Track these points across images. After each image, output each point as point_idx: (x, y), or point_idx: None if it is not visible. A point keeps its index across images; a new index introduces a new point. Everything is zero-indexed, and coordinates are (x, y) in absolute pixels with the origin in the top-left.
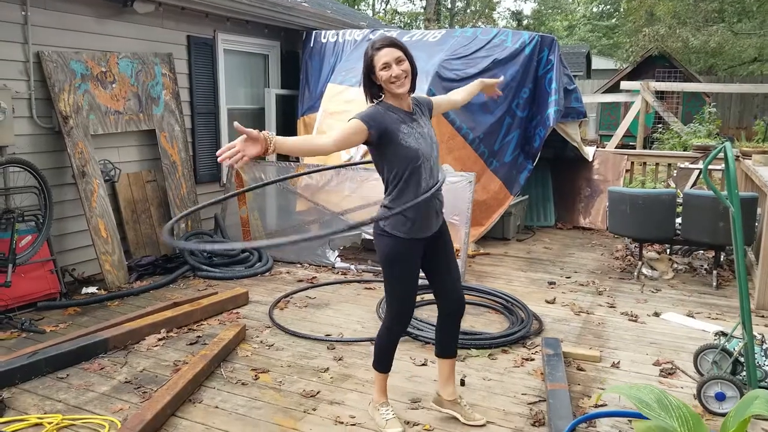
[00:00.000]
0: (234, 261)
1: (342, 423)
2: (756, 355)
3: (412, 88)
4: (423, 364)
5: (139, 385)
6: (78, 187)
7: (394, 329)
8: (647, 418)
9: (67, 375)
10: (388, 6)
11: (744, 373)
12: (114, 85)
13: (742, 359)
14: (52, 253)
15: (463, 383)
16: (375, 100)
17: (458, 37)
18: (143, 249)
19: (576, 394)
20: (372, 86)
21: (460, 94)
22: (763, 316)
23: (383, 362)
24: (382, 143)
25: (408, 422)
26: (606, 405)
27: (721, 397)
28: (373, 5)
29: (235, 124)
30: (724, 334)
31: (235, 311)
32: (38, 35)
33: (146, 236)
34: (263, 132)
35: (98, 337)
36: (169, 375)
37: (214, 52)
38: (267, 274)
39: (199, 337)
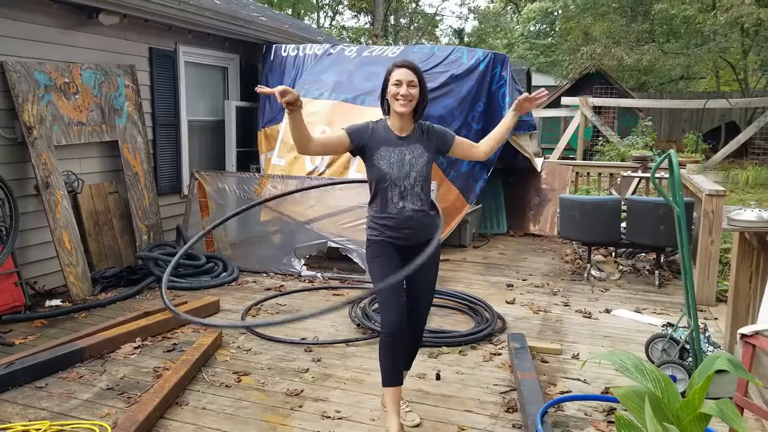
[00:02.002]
0: (200, 271)
1: (329, 417)
2: (700, 342)
3: (417, 116)
4: None
5: (122, 390)
6: (42, 198)
7: (383, 339)
8: (610, 400)
9: (46, 384)
10: (334, 21)
11: (690, 359)
12: (77, 96)
13: (688, 346)
14: (16, 266)
15: (438, 377)
16: (384, 114)
17: (417, 53)
18: (106, 261)
19: (543, 383)
20: (383, 99)
21: (486, 145)
22: (702, 310)
23: (383, 375)
24: (363, 156)
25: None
26: (570, 391)
27: (673, 380)
28: (318, 20)
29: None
30: (671, 325)
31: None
32: (2, 45)
33: (108, 248)
34: (297, 96)
35: (74, 346)
36: (150, 381)
37: (176, 64)
38: (233, 283)
39: (175, 344)
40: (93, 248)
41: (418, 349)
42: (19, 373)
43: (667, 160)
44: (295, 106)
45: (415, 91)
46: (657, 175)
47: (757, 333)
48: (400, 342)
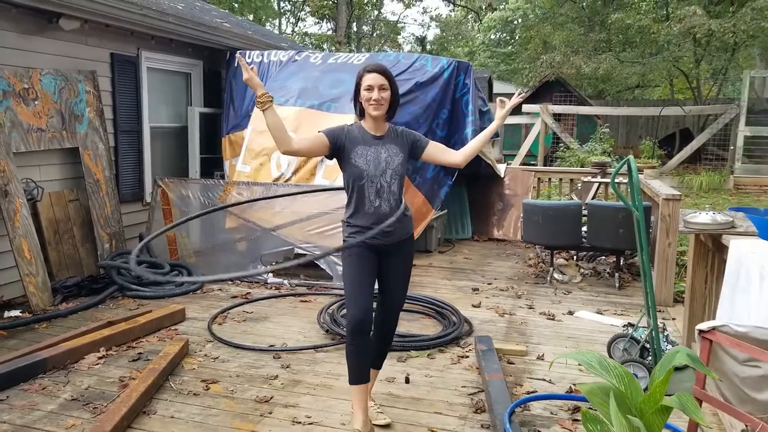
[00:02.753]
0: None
1: (300, 423)
2: (660, 341)
3: (390, 116)
4: None
5: (87, 401)
6: (1, 206)
7: (349, 336)
8: (575, 399)
9: (7, 397)
10: (297, 28)
11: (650, 357)
12: (36, 102)
13: (648, 345)
14: None
15: (407, 381)
16: (359, 116)
17: (382, 60)
18: (66, 270)
19: (509, 384)
20: (356, 103)
21: (463, 153)
22: (660, 311)
23: (350, 373)
24: (339, 158)
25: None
26: (536, 391)
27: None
28: (280, 26)
29: (238, 56)
30: (631, 325)
31: (173, 328)
32: None
33: (69, 257)
34: (265, 93)
35: (36, 357)
36: (116, 391)
37: (138, 69)
38: (198, 291)
39: (140, 353)
40: (53, 257)
41: (388, 346)
42: None
43: (626, 165)
44: (264, 101)
45: (386, 95)
46: (616, 180)
47: (713, 329)
48: (366, 340)
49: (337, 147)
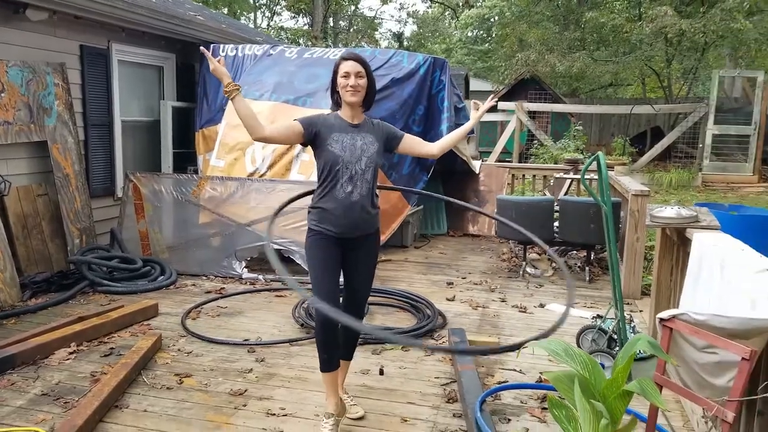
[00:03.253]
0: (137, 275)
1: (274, 415)
2: (626, 332)
3: (367, 106)
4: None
5: (58, 396)
6: None
7: (317, 327)
8: (544, 388)
9: None
10: (272, 22)
11: (617, 348)
12: (3, 95)
13: (615, 336)
14: None
15: (382, 372)
16: (335, 107)
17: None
18: (36, 265)
19: (481, 374)
20: (334, 92)
21: (439, 144)
22: (628, 303)
23: (320, 360)
24: (315, 145)
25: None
26: (507, 381)
27: (602, 367)
28: (255, 20)
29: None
30: (600, 317)
31: (145, 323)
32: None
33: (38, 252)
34: (231, 82)
35: (4, 353)
36: (87, 385)
37: (109, 62)
38: (172, 287)
39: (112, 348)
40: (21, 253)
41: (358, 336)
42: None
43: (596, 161)
44: (230, 90)
45: (363, 82)
46: (587, 176)
47: (674, 317)
48: (334, 330)
49: (312, 134)
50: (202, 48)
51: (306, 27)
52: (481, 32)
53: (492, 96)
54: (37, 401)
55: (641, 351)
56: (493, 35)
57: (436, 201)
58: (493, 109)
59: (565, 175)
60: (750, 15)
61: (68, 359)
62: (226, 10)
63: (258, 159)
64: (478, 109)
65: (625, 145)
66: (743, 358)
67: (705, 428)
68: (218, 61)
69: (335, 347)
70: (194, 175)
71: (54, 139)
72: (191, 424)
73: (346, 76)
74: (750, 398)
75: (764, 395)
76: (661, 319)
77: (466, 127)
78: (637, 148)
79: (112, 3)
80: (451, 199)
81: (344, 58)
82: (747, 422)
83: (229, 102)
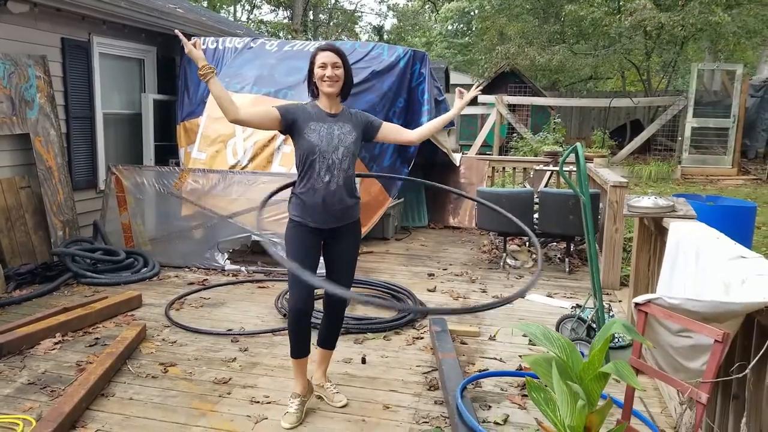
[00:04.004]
0: (120, 267)
1: (258, 402)
2: (605, 320)
3: (344, 96)
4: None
5: (45, 385)
6: None
7: (291, 312)
8: (525, 376)
9: None
10: (252, 15)
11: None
12: None
13: (594, 325)
14: None
15: (364, 361)
16: (312, 98)
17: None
18: (19, 258)
19: (462, 363)
20: (311, 83)
21: (419, 132)
22: (607, 294)
23: (292, 347)
24: (292, 133)
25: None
26: (488, 369)
27: (581, 355)
28: (235, 13)
29: (176, 31)
30: (579, 306)
31: (129, 314)
32: None
33: (22, 244)
34: (206, 65)
35: None
36: (74, 375)
37: (90, 55)
38: (155, 278)
39: (97, 339)
40: (5, 245)
41: (339, 328)
42: None
43: (574, 153)
44: (205, 72)
45: (340, 72)
46: (566, 168)
47: (649, 301)
48: (306, 321)
49: (289, 122)
50: (176, 30)
51: (286, 20)
52: (461, 26)
53: (476, 85)
54: (24, 390)
55: (620, 339)
56: (474, 29)
57: (417, 190)
58: (473, 102)
59: (545, 167)
60: (729, 8)
61: (54, 349)
62: (206, 3)
63: (239, 151)
64: (462, 97)
65: (603, 138)
66: (716, 341)
67: (682, 412)
68: (193, 45)
69: (306, 336)
70: (176, 168)
71: (36, 132)
72: (177, 411)
73: (323, 66)
74: (724, 379)
75: (736, 376)
76: (637, 304)
77: (449, 114)
78: (617, 140)
79: None
80: (433, 184)
81: (321, 49)
82: (723, 405)
83: (210, 95)
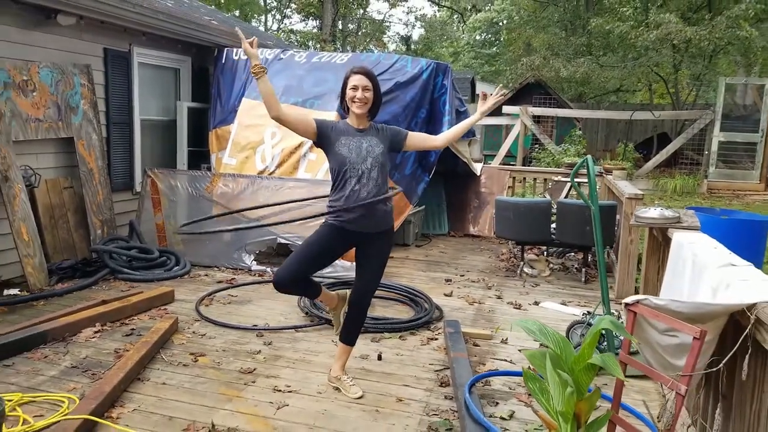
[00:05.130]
0: (153, 264)
1: (280, 391)
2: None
3: (372, 115)
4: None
5: (86, 368)
6: (1, 191)
7: (274, 279)
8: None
9: (13, 363)
10: (282, 24)
11: (605, 342)
12: (35, 94)
13: (603, 331)
14: None
15: (380, 358)
16: (343, 113)
17: (364, 60)
18: (61, 253)
19: (473, 363)
20: (343, 100)
21: (444, 137)
22: (620, 303)
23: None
24: (324, 146)
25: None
26: (497, 368)
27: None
28: (266, 23)
29: (237, 29)
30: (589, 313)
31: (162, 307)
32: None
33: (64, 241)
34: (259, 64)
35: (38, 329)
36: (112, 360)
37: (130, 64)
38: (186, 276)
39: (133, 329)
40: (49, 241)
41: (361, 325)
42: None
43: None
44: (257, 70)
45: (369, 95)
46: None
47: (637, 302)
48: (286, 290)
49: (323, 136)
50: (236, 28)
51: (315, 30)
52: (489, 36)
53: (498, 89)
54: (68, 372)
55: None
56: (501, 39)
57: (439, 198)
58: (498, 112)
59: (564, 179)
60: (758, 22)
61: (93, 337)
62: (237, 13)
63: (268, 157)
64: (485, 103)
65: (625, 151)
66: (694, 338)
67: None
68: (251, 43)
69: (303, 292)
70: (208, 172)
71: (80, 136)
72: (205, 396)
73: (355, 88)
74: (700, 372)
75: (711, 370)
76: (626, 304)
77: (471, 119)
78: (643, 153)
79: (136, 9)
80: None
81: (354, 72)
82: (713, 407)
83: (241, 104)
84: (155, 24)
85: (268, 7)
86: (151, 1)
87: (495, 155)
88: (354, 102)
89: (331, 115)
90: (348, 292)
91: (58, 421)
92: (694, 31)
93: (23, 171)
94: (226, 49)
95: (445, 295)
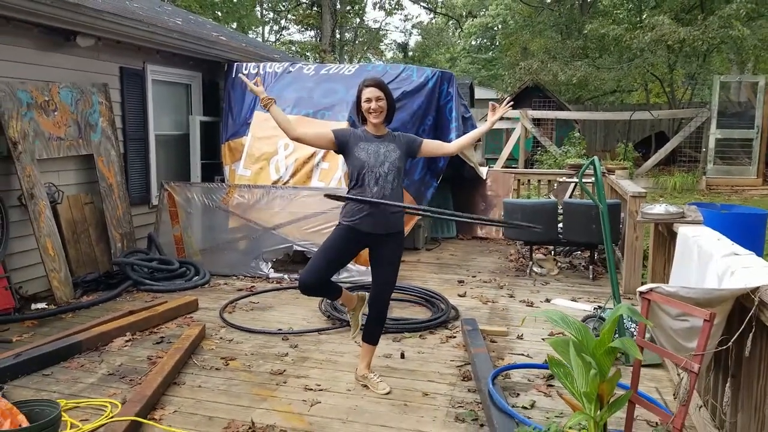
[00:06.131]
0: (174, 275)
1: (311, 389)
2: (624, 321)
3: (388, 120)
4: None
5: (123, 375)
6: (28, 208)
7: (299, 281)
8: (547, 367)
9: (52, 372)
10: (281, 36)
11: (616, 335)
12: (56, 113)
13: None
14: (6, 271)
15: (403, 356)
16: (361, 124)
17: (371, 71)
18: (84, 267)
19: (492, 358)
20: (359, 112)
21: (456, 144)
22: (629, 298)
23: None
24: (344, 152)
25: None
26: (515, 362)
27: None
28: (263, 35)
29: (241, 75)
30: (600, 307)
31: (188, 316)
32: None
33: (86, 255)
34: (266, 97)
35: (73, 339)
36: (146, 367)
37: (144, 82)
38: (206, 286)
39: (162, 337)
40: (72, 255)
41: (382, 323)
42: (27, 362)
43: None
44: (266, 103)
45: (383, 104)
46: (587, 180)
47: (650, 290)
48: (314, 293)
49: (342, 143)
50: (240, 74)
51: (313, 40)
52: (485, 41)
53: (507, 99)
54: (106, 379)
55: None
56: (497, 43)
57: (446, 203)
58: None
59: (568, 179)
60: (750, 20)
61: (125, 346)
62: (235, 25)
63: (282, 168)
64: (495, 112)
65: (626, 150)
66: (705, 320)
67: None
68: (254, 82)
69: (325, 294)
70: (222, 184)
71: (99, 153)
72: (241, 396)
73: (368, 100)
74: (712, 351)
75: (722, 348)
76: (641, 292)
77: (484, 128)
78: (642, 152)
79: (150, 29)
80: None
81: (366, 85)
82: (722, 387)
83: (253, 117)
84: (169, 42)
85: (265, 19)
86: (164, 20)
87: (496, 159)
88: (370, 113)
89: (342, 125)
90: (366, 294)
91: (105, 424)
92: (688, 32)
93: (47, 188)
94: (235, 64)
95: (459, 295)
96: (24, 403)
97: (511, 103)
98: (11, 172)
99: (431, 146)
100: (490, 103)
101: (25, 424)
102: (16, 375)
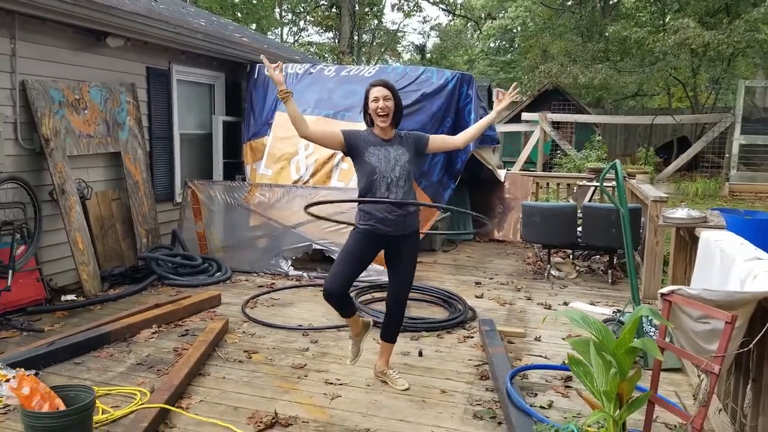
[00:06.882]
0: (197, 271)
1: (332, 383)
2: (643, 324)
3: (395, 123)
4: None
5: (151, 365)
6: (59, 203)
7: (325, 298)
8: (565, 369)
9: (83, 361)
10: (299, 37)
11: (635, 338)
12: (86, 111)
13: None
14: (38, 263)
15: (421, 354)
16: (370, 125)
17: (390, 73)
18: (111, 261)
19: (510, 359)
20: (367, 114)
21: (463, 136)
22: (648, 302)
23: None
24: (352, 156)
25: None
26: (532, 362)
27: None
28: (282, 36)
29: (262, 56)
30: (619, 311)
31: (211, 310)
32: (23, 65)
33: (112, 249)
34: (284, 89)
35: (102, 330)
36: (173, 358)
37: (169, 81)
38: (228, 282)
39: (187, 330)
40: (100, 249)
41: (400, 321)
42: (59, 351)
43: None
44: (283, 95)
45: (390, 104)
46: (607, 184)
47: (672, 292)
48: (337, 301)
49: (351, 145)
50: (262, 56)
51: (331, 41)
52: (504, 43)
53: (514, 86)
54: (134, 369)
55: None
56: (516, 46)
57: (463, 205)
58: (516, 119)
59: (588, 183)
60: None
61: (152, 338)
62: (254, 26)
63: (302, 168)
64: (501, 101)
65: (647, 155)
66: (726, 322)
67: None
68: (276, 67)
69: (342, 307)
70: (244, 183)
71: (126, 150)
72: (264, 388)
73: (376, 100)
74: (733, 352)
75: (744, 350)
76: (662, 294)
77: (488, 117)
78: (663, 157)
79: (176, 30)
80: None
81: (373, 85)
82: (743, 391)
83: (275, 117)
84: (194, 43)
85: (284, 20)
86: (189, 21)
87: (514, 162)
88: (378, 114)
89: (361, 126)
90: (371, 320)
91: (135, 410)
92: (713, 35)
93: (77, 184)
94: (258, 65)
95: (476, 297)
96: (60, 387)
97: (517, 91)
98: (43, 167)
99: (438, 142)
100: (496, 90)
101: (62, 407)
102: (49, 362)
